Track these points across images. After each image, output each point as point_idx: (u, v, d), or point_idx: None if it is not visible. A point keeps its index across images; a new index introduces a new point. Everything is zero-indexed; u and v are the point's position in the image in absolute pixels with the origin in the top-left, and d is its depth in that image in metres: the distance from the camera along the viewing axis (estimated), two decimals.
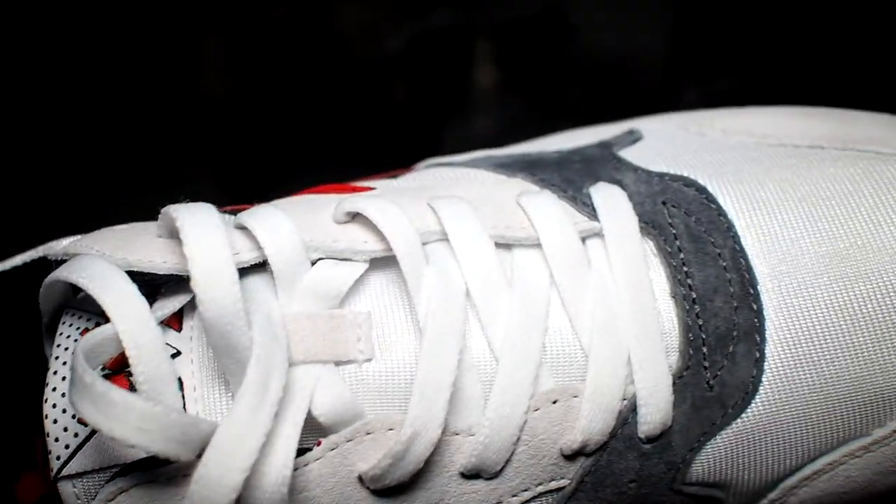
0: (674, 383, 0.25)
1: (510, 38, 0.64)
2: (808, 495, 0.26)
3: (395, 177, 0.28)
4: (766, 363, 0.25)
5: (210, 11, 0.62)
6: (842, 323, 0.25)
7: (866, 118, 0.29)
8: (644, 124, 0.31)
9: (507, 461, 0.24)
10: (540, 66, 0.64)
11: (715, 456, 0.25)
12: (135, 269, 0.23)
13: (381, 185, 0.27)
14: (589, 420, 0.24)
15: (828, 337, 0.25)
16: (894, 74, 0.54)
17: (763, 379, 0.25)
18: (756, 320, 0.25)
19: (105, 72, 0.60)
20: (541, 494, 0.25)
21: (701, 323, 0.25)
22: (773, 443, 0.25)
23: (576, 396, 0.24)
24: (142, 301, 0.22)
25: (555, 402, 0.24)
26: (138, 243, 0.24)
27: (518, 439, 0.24)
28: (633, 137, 0.29)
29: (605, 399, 0.24)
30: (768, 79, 0.60)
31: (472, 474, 0.24)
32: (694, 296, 0.25)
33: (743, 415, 0.25)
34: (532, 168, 0.27)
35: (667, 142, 0.29)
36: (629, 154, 0.28)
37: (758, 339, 0.25)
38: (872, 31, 0.56)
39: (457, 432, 0.24)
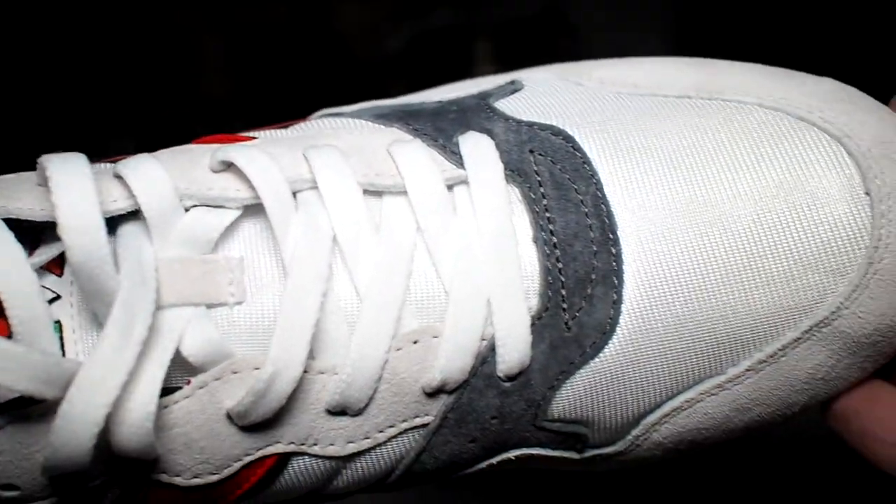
0: (532, 325, 0.26)
1: (510, 38, 0.64)
2: (669, 431, 0.27)
3: (286, 127, 0.29)
4: (623, 305, 0.26)
5: (210, 11, 0.62)
6: (697, 267, 0.26)
7: (738, 68, 0.30)
8: (527, 74, 0.32)
9: (371, 399, 0.25)
10: (540, 65, 0.64)
11: (574, 394, 0.26)
12: (13, 217, 0.24)
13: (266, 134, 0.28)
14: (447, 359, 0.25)
15: (683, 280, 0.26)
16: (894, 73, 0.54)
17: (620, 320, 0.26)
18: (615, 264, 0.26)
19: (105, 72, 0.60)
20: (406, 430, 0.26)
21: (560, 266, 0.26)
22: (631, 381, 0.26)
23: (435, 337, 0.25)
24: (16, 246, 0.23)
25: (416, 343, 0.25)
26: (18, 191, 0.25)
27: (380, 378, 0.25)
28: (513, 87, 0.30)
29: (463, 339, 0.25)
30: None
31: (337, 411, 0.25)
32: (555, 240, 0.26)
33: (600, 354, 0.26)
34: (409, 118, 0.28)
35: (544, 92, 0.30)
36: (504, 104, 0.29)
37: (616, 282, 0.26)
38: (872, 30, 0.56)
39: (322, 371, 0.25)
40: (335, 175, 0.25)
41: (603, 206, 0.26)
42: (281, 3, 0.63)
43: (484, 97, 0.29)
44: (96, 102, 0.59)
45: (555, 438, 0.27)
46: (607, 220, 0.26)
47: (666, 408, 0.27)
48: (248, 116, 0.61)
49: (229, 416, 0.24)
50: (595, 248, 0.26)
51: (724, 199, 0.26)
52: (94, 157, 0.36)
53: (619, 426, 0.27)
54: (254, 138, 0.28)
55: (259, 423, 0.24)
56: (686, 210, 0.26)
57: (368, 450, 0.26)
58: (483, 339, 0.25)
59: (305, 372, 0.24)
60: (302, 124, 0.29)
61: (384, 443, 0.26)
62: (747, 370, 0.26)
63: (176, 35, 0.62)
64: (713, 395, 0.27)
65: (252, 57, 0.62)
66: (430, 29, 0.63)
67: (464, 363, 0.25)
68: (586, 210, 0.26)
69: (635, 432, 0.27)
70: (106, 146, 0.36)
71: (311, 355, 0.24)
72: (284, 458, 0.25)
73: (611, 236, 0.26)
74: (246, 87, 0.62)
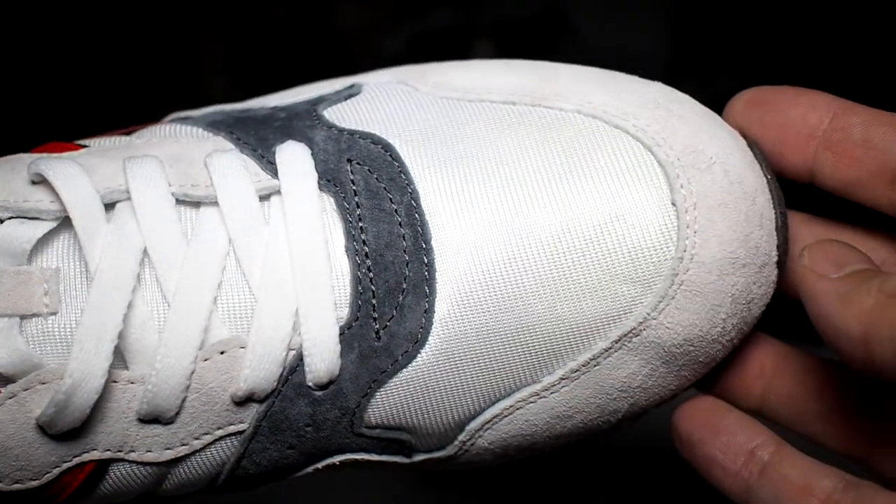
0: (342, 334, 0.26)
1: (510, 38, 0.64)
2: (494, 437, 0.28)
3: (129, 133, 0.30)
4: (434, 315, 0.26)
5: (210, 12, 0.62)
6: (508, 277, 0.26)
7: (567, 73, 0.29)
8: (369, 78, 0.32)
9: (181, 407, 0.26)
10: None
11: (390, 402, 0.27)
12: None
13: (100, 142, 0.29)
14: (251, 369, 0.25)
15: (495, 290, 0.26)
16: (893, 73, 0.54)
17: (432, 329, 0.26)
18: (427, 273, 0.26)
19: (105, 71, 0.60)
20: (222, 437, 0.26)
21: (371, 276, 0.26)
22: (447, 389, 0.27)
23: (242, 347, 0.26)
24: None
25: (223, 353, 0.25)
26: None
27: (188, 387, 0.25)
28: (348, 93, 0.30)
29: (269, 349, 0.25)
30: (768, 79, 0.60)
31: (150, 419, 0.26)
32: (367, 250, 0.26)
33: (413, 363, 0.26)
34: (235, 126, 0.28)
35: (375, 97, 0.30)
36: (333, 111, 0.29)
37: (427, 291, 0.26)
38: (871, 30, 0.56)
39: (132, 381, 0.25)
40: (147, 186, 0.26)
41: (417, 215, 0.26)
42: (281, 3, 0.63)
43: (315, 103, 0.29)
44: (96, 102, 0.59)
45: (377, 444, 0.28)
46: (420, 230, 0.26)
47: (487, 414, 0.27)
48: None
49: (40, 426, 0.25)
50: (407, 258, 0.26)
51: (536, 209, 0.26)
52: None
53: (443, 432, 0.27)
54: (84, 147, 0.28)
55: (70, 431, 0.25)
56: (499, 220, 0.26)
57: (187, 456, 0.26)
58: (291, 349, 0.26)
59: (114, 382, 0.25)
60: (144, 130, 0.29)
61: (201, 449, 0.26)
62: (562, 379, 0.27)
63: (176, 35, 0.62)
64: (531, 402, 0.27)
65: (252, 57, 0.62)
66: (430, 29, 0.63)
67: (269, 373, 0.26)
68: (400, 220, 0.26)
69: (461, 437, 0.28)
70: None
71: (124, 365, 0.25)
72: (104, 465, 0.26)
73: (423, 245, 0.26)
74: (246, 87, 0.62)
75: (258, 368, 0.25)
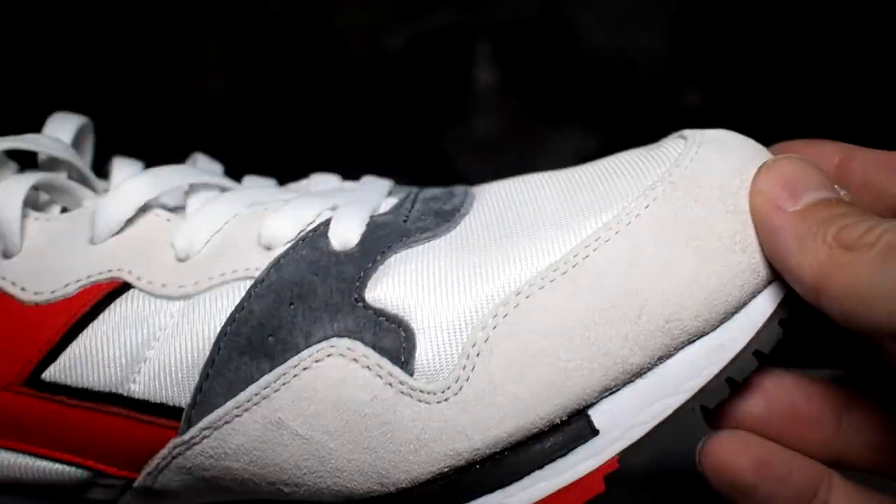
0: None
1: (510, 38, 0.64)
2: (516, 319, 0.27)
3: None
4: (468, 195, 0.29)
5: (210, 11, 0.62)
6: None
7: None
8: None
9: (206, 248, 0.29)
10: (540, 66, 0.64)
11: (396, 277, 0.27)
12: None
13: None
14: (276, 220, 0.29)
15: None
16: (892, 73, 0.54)
17: (465, 209, 0.29)
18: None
19: (106, 71, 0.60)
20: (235, 280, 0.28)
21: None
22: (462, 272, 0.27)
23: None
24: None
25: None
26: None
27: (220, 230, 0.28)
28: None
29: (299, 209, 0.29)
30: (768, 79, 0.60)
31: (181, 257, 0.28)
32: None
33: (431, 242, 0.28)
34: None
35: None
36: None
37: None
38: (871, 30, 0.56)
39: (169, 219, 0.29)
40: None
41: None
42: (281, 3, 0.63)
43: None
44: (96, 103, 0.59)
45: (372, 326, 0.27)
46: None
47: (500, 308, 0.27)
48: (247, 116, 0.61)
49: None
50: None
51: None
52: (95, 158, 0.36)
53: (451, 330, 0.27)
54: None
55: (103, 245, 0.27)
56: None
57: (199, 293, 0.27)
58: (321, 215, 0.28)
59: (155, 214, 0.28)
60: None
61: (213, 287, 0.27)
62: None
63: (176, 35, 0.62)
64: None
65: (251, 57, 0.62)
66: (430, 29, 0.63)
67: (293, 227, 0.28)
68: None
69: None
70: (106, 147, 0.36)
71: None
72: (122, 289, 0.27)
73: None
74: (245, 87, 0.62)
75: (282, 220, 0.27)
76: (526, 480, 0.26)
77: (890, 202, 0.26)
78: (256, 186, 0.30)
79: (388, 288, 0.26)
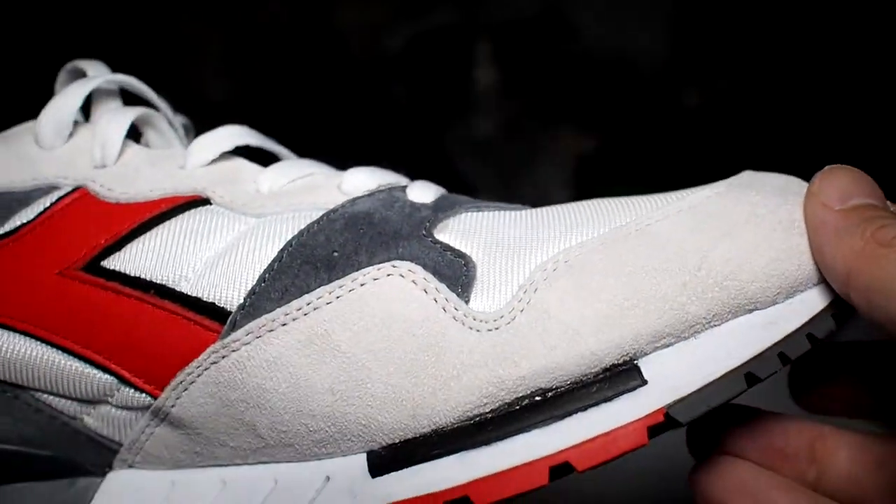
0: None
1: (510, 38, 0.64)
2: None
3: None
4: None
5: (210, 11, 0.62)
6: None
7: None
8: None
9: None
10: (540, 66, 0.64)
11: (460, 222, 0.29)
12: None
13: None
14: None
15: None
16: (891, 73, 0.54)
17: None
18: None
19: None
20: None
21: None
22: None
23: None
24: None
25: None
26: None
27: None
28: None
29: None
30: (767, 79, 0.60)
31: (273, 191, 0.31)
32: None
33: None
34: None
35: None
36: None
37: None
38: (870, 30, 0.56)
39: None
40: None
41: None
42: (281, 3, 0.63)
43: None
44: None
45: (439, 257, 0.28)
46: None
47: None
48: (247, 116, 0.61)
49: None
50: None
51: None
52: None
53: (506, 273, 0.28)
54: None
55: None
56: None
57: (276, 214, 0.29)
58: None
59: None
60: None
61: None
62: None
63: (176, 35, 0.62)
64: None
65: (252, 57, 0.62)
66: (430, 29, 0.63)
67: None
68: None
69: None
70: None
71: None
72: (202, 202, 0.28)
73: None
74: (246, 87, 0.62)
75: (363, 175, 0.30)
76: (567, 421, 0.26)
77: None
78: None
79: (455, 231, 0.28)
